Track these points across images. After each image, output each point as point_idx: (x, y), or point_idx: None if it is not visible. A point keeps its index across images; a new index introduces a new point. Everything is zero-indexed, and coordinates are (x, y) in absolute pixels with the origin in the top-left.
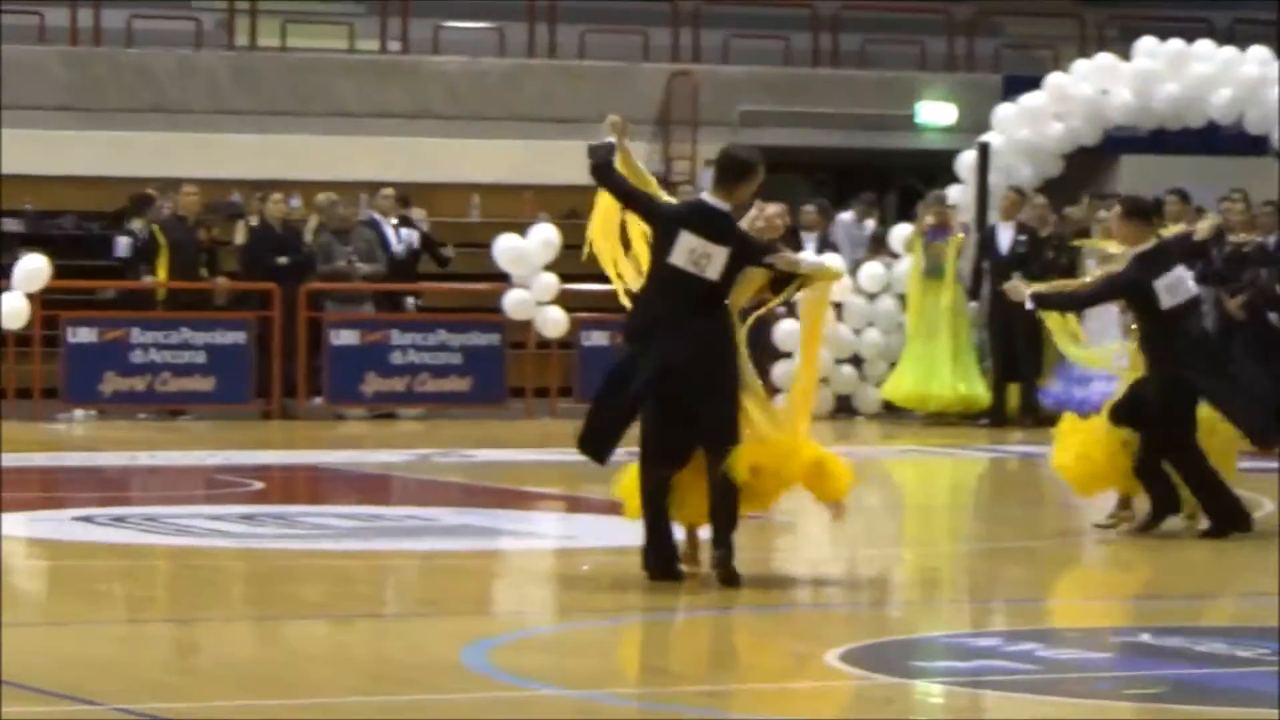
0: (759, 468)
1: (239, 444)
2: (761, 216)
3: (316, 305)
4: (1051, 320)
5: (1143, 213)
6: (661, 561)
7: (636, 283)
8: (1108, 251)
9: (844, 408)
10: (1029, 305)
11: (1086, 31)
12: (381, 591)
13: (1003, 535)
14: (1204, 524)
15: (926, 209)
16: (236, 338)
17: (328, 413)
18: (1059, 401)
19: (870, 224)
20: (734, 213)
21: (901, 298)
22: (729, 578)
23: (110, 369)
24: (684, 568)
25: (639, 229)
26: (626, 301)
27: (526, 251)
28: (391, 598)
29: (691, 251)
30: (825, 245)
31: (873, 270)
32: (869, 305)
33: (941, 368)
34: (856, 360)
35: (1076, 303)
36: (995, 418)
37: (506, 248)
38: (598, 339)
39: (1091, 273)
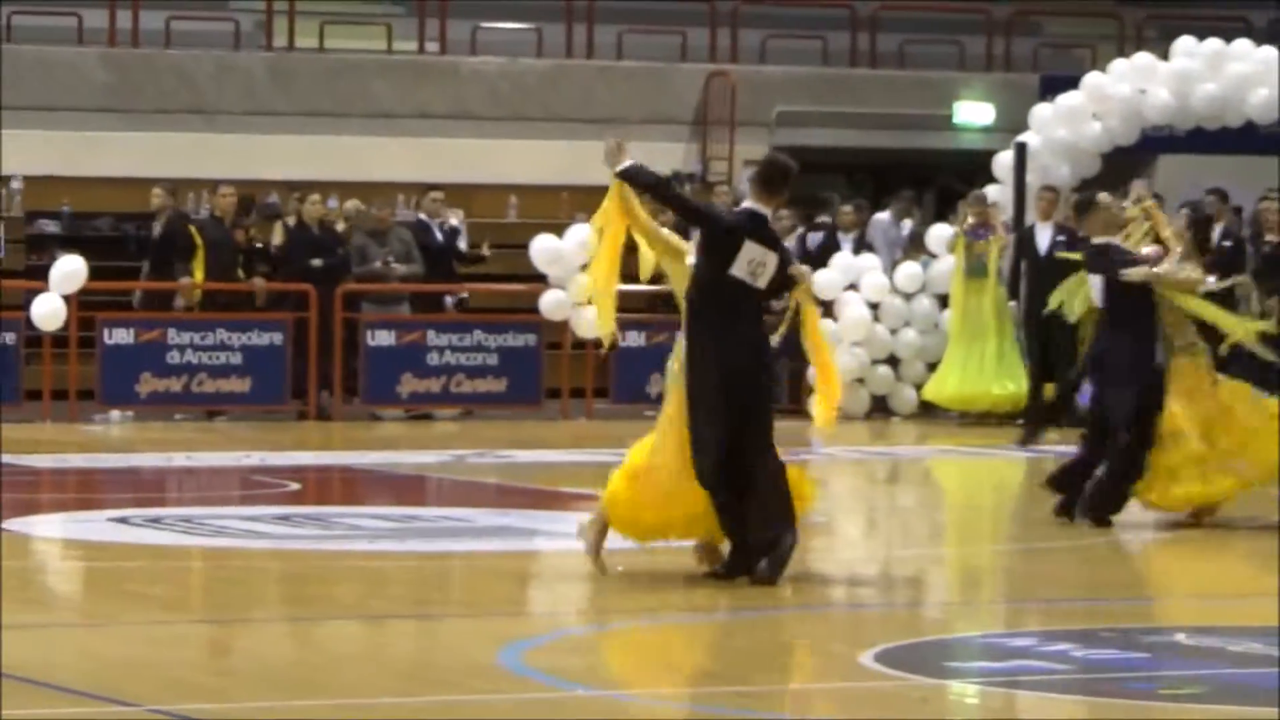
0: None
1: (275, 445)
2: None
3: (353, 306)
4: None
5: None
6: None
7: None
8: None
9: (880, 408)
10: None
11: (1125, 31)
12: (417, 592)
13: (1037, 535)
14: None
15: (968, 208)
16: (273, 338)
17: (364, 413)
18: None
19: (908, 224)
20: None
21: (939, 298)
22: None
23: (147, 370)
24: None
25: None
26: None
27: (563, 252)
28: (427, 599)
29: (750, 261)
30: (862, 245)
31: (910, 270)
32: (906, 305)
33: (988, 367)
34: (893, 360)
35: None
36: (1031, 417)
37: (543, 248)
38: (633, 340)
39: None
